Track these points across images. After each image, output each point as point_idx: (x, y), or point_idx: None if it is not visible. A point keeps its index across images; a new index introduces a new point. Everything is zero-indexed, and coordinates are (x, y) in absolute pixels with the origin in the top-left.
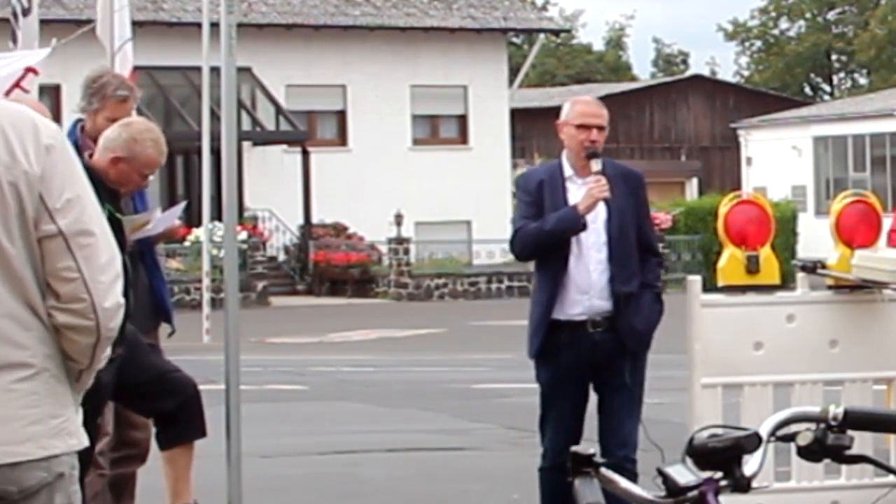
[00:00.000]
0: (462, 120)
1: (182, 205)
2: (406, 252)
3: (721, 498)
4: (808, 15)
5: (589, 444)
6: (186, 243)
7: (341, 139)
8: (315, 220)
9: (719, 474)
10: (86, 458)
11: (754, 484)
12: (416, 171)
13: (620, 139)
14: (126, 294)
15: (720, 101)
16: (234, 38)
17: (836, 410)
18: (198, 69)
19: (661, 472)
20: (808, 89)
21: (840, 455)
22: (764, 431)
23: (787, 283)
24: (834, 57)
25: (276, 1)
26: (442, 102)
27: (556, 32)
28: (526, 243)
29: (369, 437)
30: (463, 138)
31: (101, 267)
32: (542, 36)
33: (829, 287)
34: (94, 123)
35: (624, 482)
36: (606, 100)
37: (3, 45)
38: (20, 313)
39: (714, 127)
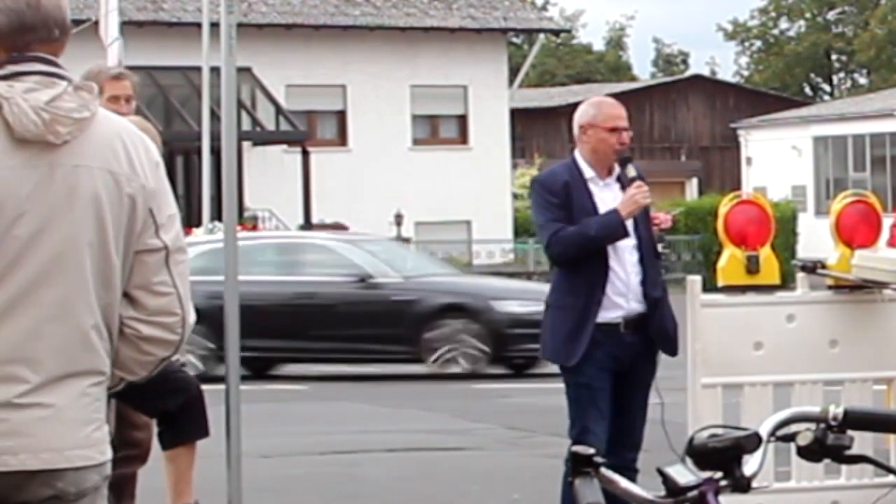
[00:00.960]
0: (462, 120)
1: None
2: None
3: (721, 498)
4: (807, 15)
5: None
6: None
7: (341, 139)
8: (315, 220)
9: (719, 474)
10: None
11: (754, 484)
12: (416, 171)
13: None
14: None
15: (720, 101)
16: (234, 38)
17: (836, 410)
18: (198, 69)
19: (661, 472)
20: (808, 89)
21: (840, 455)
22: (764, 431)
23: (787, 283)
24: (834, 57)
25: (276, 1)
26: (442, 102)
27: (556, 32)
28: (567, 248)
29: (369, 437)
30: (463, 138)
31: (188, 284)
32: (542, 36)
33: (829, 287)
34: None
35: (624, 482)
36: None
37: None
38: (101, 325)
39: (714, 127)
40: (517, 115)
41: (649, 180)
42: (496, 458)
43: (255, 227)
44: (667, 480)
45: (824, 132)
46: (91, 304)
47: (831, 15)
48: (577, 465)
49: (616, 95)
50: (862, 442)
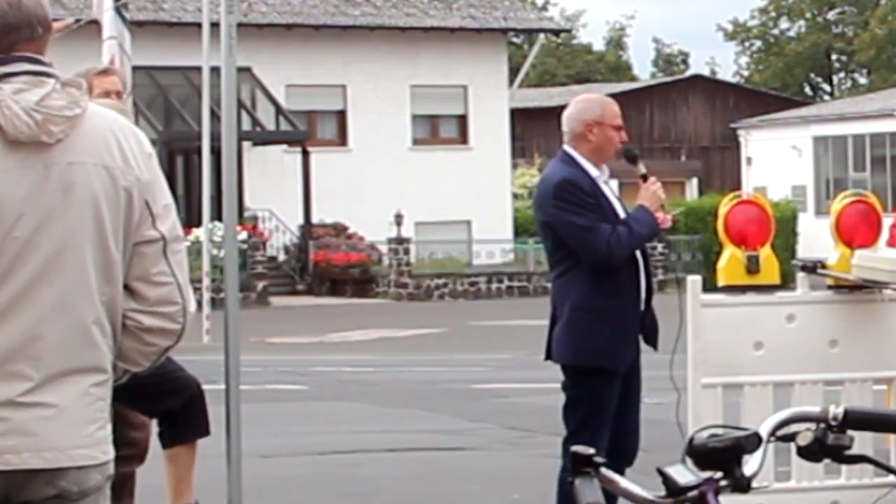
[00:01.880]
0: (462, 120)
1: None
2: (406, 252)
3: (721, 498)
4: (808, 15)
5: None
6: (186, 243)
7: (341, 139)
8: (315, 219)
9: (719, 474)
10: None
11: (754, 484)
12: (416, 171)
13: None
14: None
15: (720, 101)
16: (234, 38)
17: (836, 410)
18: (198, 69)
19: (661, 472)
20: (808, 89)
21: (840, 455)
22: (764, 431)
23: (787, 283)
24: (834, 57)
25: (276, 1)
26: (442, 102)
27: (557, 32)
28: (626, 250)
29: (369, 437)
30: (463, 138)
31: (187, 273)
32: (542, 36)
33: (829, 287)
34: None
35: (624, 482)
36: None
37: None
38: (104, 320)
39: (714, 127)
40: (517, 115)
41: (655, 179)
42: (496, 458)
43: (255, 228)
44: (667, 480)
45: (824, 132)
46: (92, 299)
47: (831, 15)
48: (577, 465)
49: (616, 95)
50: (862, 442)
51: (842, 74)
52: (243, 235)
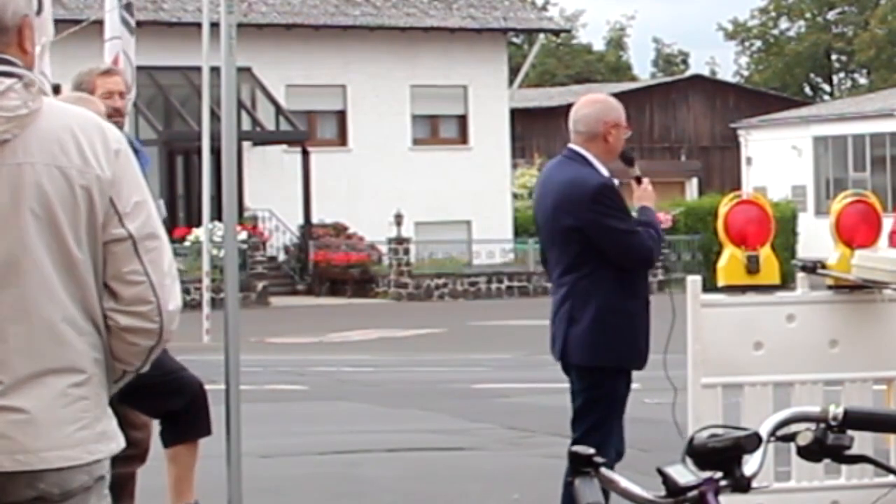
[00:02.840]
0: (462, 120)
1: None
2: (406, 252)
3: (721, 498)
4: (807, 15)
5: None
6: (186, 243)
7: (341, 139)
8: (315, 220)
9: (719, 474)
10: None
11: (754, 484)
12: (416, 171)
13: None
14: None
15: (720, 101)
16: (234, 38)
17: (836, 410)
18: (198, 69)
19: (661, 472)
20: (808, 89)
21: (840, 455)
22: (764, 431)
23: (787, 283)
24: (834, 57)
25: (276, 1)
26: (442, 102)
27: (556, 32)
28: (658, 251)
29: (369, 437)
30: (463, 138)
31: (165, 270)
32: (542, 36)
33: (829, 287)
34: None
35: (624, 482)
36: None
37: None
38: (78, 318)
39: (714, 127)
40: (517, 115)
41: (650, 180)
42: (496, 458)
43: (254, 228)
44: (667, 480)
45: (824, 132)
46: (57, 298)
47: (831, 15)
48: (577, 465)
49: (616, 95)
50: (862, 442)
51: (842, 74)
52: (243, 235)
